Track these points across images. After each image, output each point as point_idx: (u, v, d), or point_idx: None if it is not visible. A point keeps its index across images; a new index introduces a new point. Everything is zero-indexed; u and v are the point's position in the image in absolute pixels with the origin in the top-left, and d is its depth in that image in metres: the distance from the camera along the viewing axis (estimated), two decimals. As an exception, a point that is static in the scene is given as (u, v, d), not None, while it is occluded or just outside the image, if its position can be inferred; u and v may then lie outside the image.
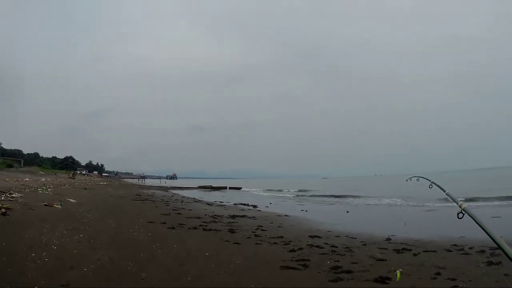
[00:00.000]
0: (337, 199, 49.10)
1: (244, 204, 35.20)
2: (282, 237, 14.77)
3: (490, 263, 9.90)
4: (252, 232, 16.07)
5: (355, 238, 14.99)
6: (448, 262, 10.64)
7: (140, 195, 42.12)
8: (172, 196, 47.35)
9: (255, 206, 33.07)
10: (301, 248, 12.50)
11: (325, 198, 51.44)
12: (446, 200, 34.85)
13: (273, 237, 14.70)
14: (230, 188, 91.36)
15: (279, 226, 18.77)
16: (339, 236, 15.57)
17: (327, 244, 13.50)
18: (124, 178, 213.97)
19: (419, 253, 12.03)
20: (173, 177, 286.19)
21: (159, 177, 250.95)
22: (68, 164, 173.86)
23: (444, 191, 5.21)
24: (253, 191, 78.60)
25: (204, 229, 16.24)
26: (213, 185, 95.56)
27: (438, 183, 5.83)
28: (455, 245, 13.18)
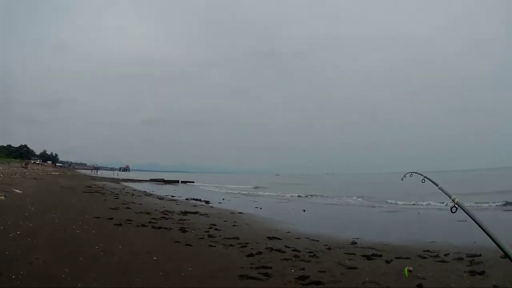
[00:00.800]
0: (292, 197, 48.00)
1: (197, 200, 33.71)
2: (238, 238, 13.33)
3: (473, 273, 9.06)
4: (205, 231, 14.49)
5: (318, 241, 13.71)
6: (427, 271, 9.46)
7: (90, 187, 39.90)
8: (123, 188, 45.50)
9: (207, 202, 31.64)
10: (260, 252, 11.11)
11: (280, 195, 50.13)
12: (407, 199, 35.02)
13: (228, 238, 13.26)
14: (182, 182, 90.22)
15: (233, 225, 17.30)
16: (299, 238, 14.29)
17: (288, 247, 12.14)
18: (77, 168, 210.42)
19: (392, 260, 10.81)
20: (126, 169, 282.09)
21: (112, 169, 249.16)
22: (23, 153, 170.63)
23: (437, 185, 5.22)
24: (205, 186, 77.03)
25: (153, 227, 14.59)
26: (165, 179, 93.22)
27: (430, 178, 5.96)
28: (428, 251, 12.13)
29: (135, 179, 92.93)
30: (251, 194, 52.53)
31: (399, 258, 11.11)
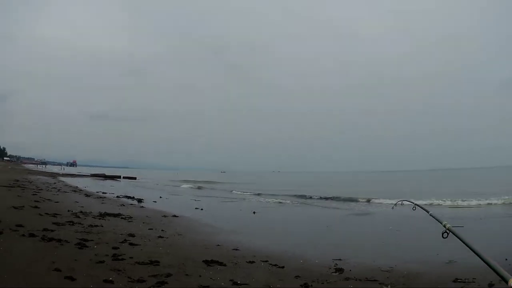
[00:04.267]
0: (240, 195, 41.15)
1: (129, 197, 27.90)
2: (157, 263, 7.85)
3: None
4: (114, 248, 8.95)
5: (283, 267, 8.45)
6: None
7: (17, 181, 33.62)
8: (55, 183, 39.11)
9: (140, 201, 25.68)
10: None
11: (227, 194, 43.74)
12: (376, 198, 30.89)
13: (142, 263, 7.70)
14: (124, 177, 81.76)
15: (159, 236, 11.55)
16: (253, 262, 8.84)
17: (238, 285, 6.95)
18: (25, 163, 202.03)
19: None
20: (73, 164, 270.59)
21: (60, 164, 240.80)
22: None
23: (428, 212, 4.95)
24: (148, 182, 70.72)
25: (43, 239, 9.11)
26: (106, 174, 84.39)
27: (421, 205, 5.64)
28: (457, 280, 7.63)
29: (76, 174, 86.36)
30: (194, 192, 45.44)
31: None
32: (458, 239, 3.21)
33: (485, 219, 19.55)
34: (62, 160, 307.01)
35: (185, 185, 60.76)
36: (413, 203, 6.19)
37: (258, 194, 40.86)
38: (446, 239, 3.49)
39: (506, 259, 8.97)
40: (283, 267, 8.66)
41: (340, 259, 9.78)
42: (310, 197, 37.00)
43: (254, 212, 22.36)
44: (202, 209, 22.79)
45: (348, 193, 40.99)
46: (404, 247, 12.45)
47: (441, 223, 3.73)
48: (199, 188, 55.83)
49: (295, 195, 39.44)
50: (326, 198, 35.66)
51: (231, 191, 47.77)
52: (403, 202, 7.55)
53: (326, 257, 10.09)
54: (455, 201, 28.37)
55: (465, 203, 27.42)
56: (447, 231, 3.47)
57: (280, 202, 32.14)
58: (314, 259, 9.89)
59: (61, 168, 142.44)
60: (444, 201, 28.42)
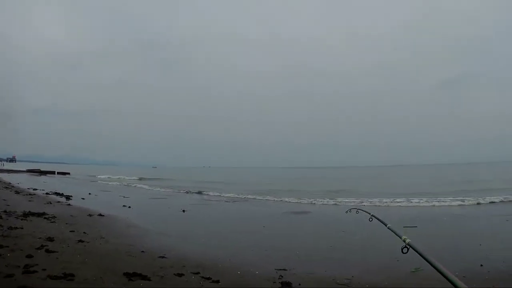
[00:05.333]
0: (170, 191, 39.95)
1: (58, 194, 26.13)
2: (71, 277, 6.55)
3: None
4: (28, 256, 7.62)
5: (218, 283, 7.13)
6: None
7: None
8: (-15, 180, 35.71)
9: (68, 198, 23.95)
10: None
11: (157, 189, 42.55)
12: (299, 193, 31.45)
13: (54, 277, 6.46)
14: (59, 173, 79.26)
15: (79, 241, 10.09)
16: (182, 275, 7.45)
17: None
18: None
19: None
20: (13, 159, 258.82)
21: (0, 160, 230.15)
22: None
23: (386, 225, 4.68)
24: (81, 178, 68.11)
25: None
26: (41, 169, 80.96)
27: (378, 217, 5.33)
28: None
29: (12, 169, 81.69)
30: (122, 189, 42.42)
31: None
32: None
33: (438, 219, 18.82)
34: (2, 155, 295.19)
35: (115, 182, 58.13)
36: (370, 213, 5.92)
37: (187, 192, 39.27)
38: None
39: (481, 265, 8.65)
40: (218, 281, 7.26)
41: (284, 269, 8.47)
42: (242, 193, 35.73)
43: (183, 211, 20.86)
44: (129, 207, 21.42)
45: (281, 189, 40.76)
46: (359, 253, 10.80)
47: (400, 237, 3.63)
48: (128, 184, 53.36)
49: (226, 191, 38.29)
50: (259, 194, 34.31)
51: (161, 187, 46.11)
52: (359, 210, 7.23)
53: (267, 266, 8.75)
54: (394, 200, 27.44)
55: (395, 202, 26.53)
56: (407, 246, 3.40)
57: (210, 200, 30.71)
58: (254, 269, 8.46)
59: (1, 164, 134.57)
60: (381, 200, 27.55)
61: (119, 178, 67.90)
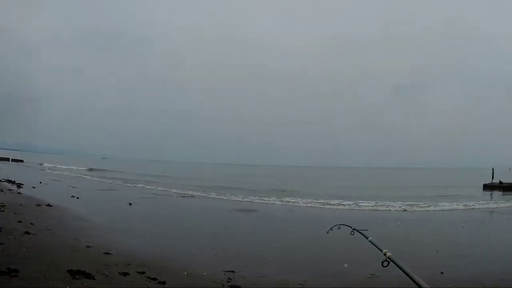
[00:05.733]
0: (118, 183, 39.21)
1: (11, 182, 25.48)
2: (15, 272, 6.20)
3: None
4: None
5: (164, 284, 6.79)
6: None
7: None
8: None
9: (20, 186, 23.43)
10: None
11: (105, 181, 41.64)
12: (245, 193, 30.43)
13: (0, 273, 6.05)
14: (12, 160, 77.39)
15: (26, 232, 9.70)
16: (127, 274, 7.11)
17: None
18: None
19: None
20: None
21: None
22: None
23: (367, 238, 4.28)
24: (34, 165, 66.97)
25: None
26: None
27: (359, 229, 4.88)
28: None
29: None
30: (72, 179, 40.99)
31: None
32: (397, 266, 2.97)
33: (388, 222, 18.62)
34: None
35: (65, 172, 56.83)
36: (351, 227, 5.38)
37: (134, 185, 38.67)
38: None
39: (442, 273, 8.46)
40: (164, 282, 6.90)
41: (233, 271, 8.10)
42: (188, 189, 35.11)
43: (130, 204, 20.52)
44: (78, 198, 20.89)
45: (228, 186, 40.23)
46: (311, 256, 10.53)
47: (381, 251, 3.47)
48: (78, 175, 51.82)
49: (172, 186, 37.74)
50: (206, 190, 33.89)
51: (109, 178, 45.35)
52: (340, 226, 6.24)
53: (215, 267, 8.39)
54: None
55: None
56: (387, 259, 3.25)
57: (157, 194, 30.05)
58: (201, 270, 8.11)
59: None
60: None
61: (68, 168, 66.07)
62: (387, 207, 25.31)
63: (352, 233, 5.16)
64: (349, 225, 5.45)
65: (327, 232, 6.11)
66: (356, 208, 25.12)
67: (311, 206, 25.47)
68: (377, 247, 3.79)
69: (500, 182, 46.77)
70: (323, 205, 25.95)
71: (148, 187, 36.73)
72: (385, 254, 3.32)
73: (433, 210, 24.70)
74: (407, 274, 2.76)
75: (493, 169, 52.07)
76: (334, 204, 26.29)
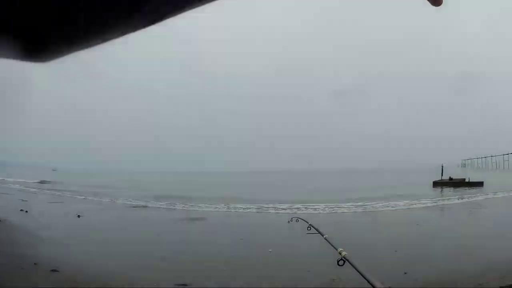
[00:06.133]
0: (68, 195, 36.96)
1: None
2: None
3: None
4: None
5: None
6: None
7: None
8: None
9: None
10: None
11: (56, 192, 39.37)
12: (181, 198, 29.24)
13: None
14: None
15: None
16: None
17: None
18: None
19: None
20: None
21: None
22: None
23: (323, 236, 4.67)
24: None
25: None
26: None
27: (316, 227, 5.17)
28: None
29: None
30: (22, 191, 39.52)
31: None
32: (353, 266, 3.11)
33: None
34: None
35: (17, 185, 52.00)
36: (308, 222, 5.69)
37: (84, 197, 35.72)
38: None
39: (405, 273, 8.36)
40: None
41: (185, 284, 7.75)
42: (136, 199, 33.78)
43: (78, 216, 19.91)
44: (27, 211, 20.14)
45: (174, 194, 38.70)
46: (268, 263, 10.19)
47: (336, 249, 3.55)
48: (27, 187, 48.12)
49: (120, 196, 36.29)
50: (154, 200, 32.86)
51: (59, 190, 42.95)
52: (299, 219, 6.93)
53: (166, 280, 8.16)
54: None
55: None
56: (343, 258, 3.32)
57: (105, 205, 29.20)
58: (152, 284, 7.92)
59: None
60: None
61: (15, 181, 63.38)
62: (339, 208, 25.21)
63: (308, 228, 5.31)
64: (306, 220, 5.70)
65: (288, 222, 6.83)
66: (305, 211, 24.20)
67: (258, 212, 25.16)
68: (332, 245, 3.90)
69: (450, 178, 47.72)
70: (278, 210, 25.42)
71: (96, 198, 34.99)
72: (340, 253, 3.40)
73: (386, 209, 24.62)
74: (362, 274, 2.87)
75: (442, 166, 53.19)
76: (284, 209, 25.84)
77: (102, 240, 13.82)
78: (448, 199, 29.90)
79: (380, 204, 26.61)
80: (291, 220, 6.83)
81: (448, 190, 40.69)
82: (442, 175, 51.65)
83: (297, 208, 25.39)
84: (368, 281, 2.74)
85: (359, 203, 26.74)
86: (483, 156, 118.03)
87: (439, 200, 29.50)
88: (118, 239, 14.55)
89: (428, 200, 27.83)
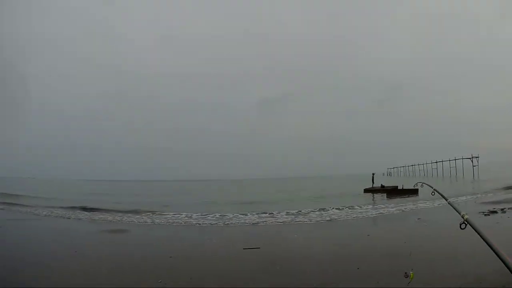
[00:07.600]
0: None
1: None
2: None
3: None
4: None
5: None
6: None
7: None
8: None
9: None
10: None
11: None
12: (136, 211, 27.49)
13: None
14: None
15: None
16: None
17: None
18: None
19: None
20: None
21: None
22: None
23: (447, 200, 4.61)
24: None
25: None
26: None
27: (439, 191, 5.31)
28: None
29: None
30: None
31: None
32: None
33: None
34: None
35: None
36: (432, 187, 5.70)
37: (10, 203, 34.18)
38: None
39: (358, 268, 8.45)
40: None
41: None
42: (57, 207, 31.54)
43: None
44: None
45: (97, 206, 35.54)
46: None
47: (459, 213, 3.52)
48: None
49: (42, 206, 33.54)
50: (72, 209, 30.54)
51: None
52: (424, 184, 6.58)
53: None
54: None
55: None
56: (465, 222, 3.33)
57: (20, 216, 25.92)
58: None
59: None
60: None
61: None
62: (274, 218, 23.71)
63: (433, 193, 5.50)
64: (431, 185, 5.65)
65: (414, 185, 7.18)
66: (236, 221, 22.88)
67: (190, 223, 22.92)
68: (456, 209, 3.82)
69: (382, 186, 48.30)
70: (217, 221, 23.30)
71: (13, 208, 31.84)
72: (462, 217, 3.38)
73: (319, 220, 22.65)
74: (483, 237, 2.88)
75: (373, 174, 53.88)
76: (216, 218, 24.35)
77: (5, 255, 12.04)
78: (386, 206, 28.87)
79: (314, 212, 25.77)
80: (416, 185, 6.70)
81: (380, 197, 40.86)
82: (373, 183, 52.76)
83: (229, 218, 24.07)
84: (488, 244, 2.72)
85: (293, 211, 26.10)
86: (408, 165, 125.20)
87: (374, 207, 29.20)
88: (29, 254, 12.46)
89: (371, 207, 28.47)
